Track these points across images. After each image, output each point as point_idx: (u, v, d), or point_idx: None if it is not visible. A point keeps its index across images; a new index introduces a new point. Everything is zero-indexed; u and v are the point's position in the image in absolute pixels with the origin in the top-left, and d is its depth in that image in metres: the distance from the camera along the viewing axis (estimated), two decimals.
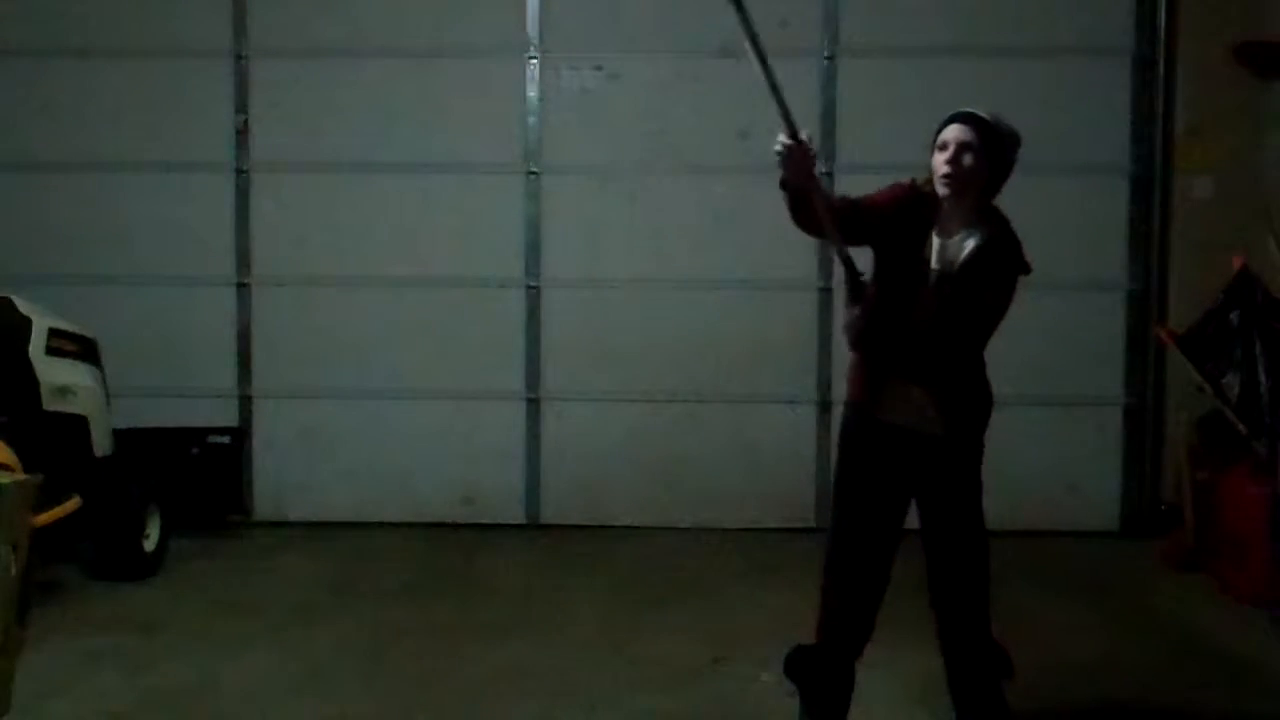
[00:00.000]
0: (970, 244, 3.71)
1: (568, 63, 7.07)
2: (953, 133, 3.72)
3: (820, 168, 6.86)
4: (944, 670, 4.00)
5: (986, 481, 3.95)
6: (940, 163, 3.71)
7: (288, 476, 7.18)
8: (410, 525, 7.04)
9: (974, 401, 3.86)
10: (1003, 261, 3.71)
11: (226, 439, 6.97)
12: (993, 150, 3.70)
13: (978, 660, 3.93)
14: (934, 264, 3.73)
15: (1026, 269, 3.75)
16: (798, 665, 4.03)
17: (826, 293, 6.98)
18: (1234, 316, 6.02)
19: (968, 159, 3.68)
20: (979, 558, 3.90)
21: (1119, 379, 7.07)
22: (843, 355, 6.83)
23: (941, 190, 3.72)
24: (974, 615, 3.91)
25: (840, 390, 6.78)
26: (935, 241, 3.75)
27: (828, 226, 3.61)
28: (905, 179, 3.86)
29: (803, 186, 3.54)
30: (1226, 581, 5.83)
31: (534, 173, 7.08)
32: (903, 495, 3.88)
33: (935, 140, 3.77)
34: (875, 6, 6.95)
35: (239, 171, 7.14)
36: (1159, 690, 4.62)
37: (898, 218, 3.74)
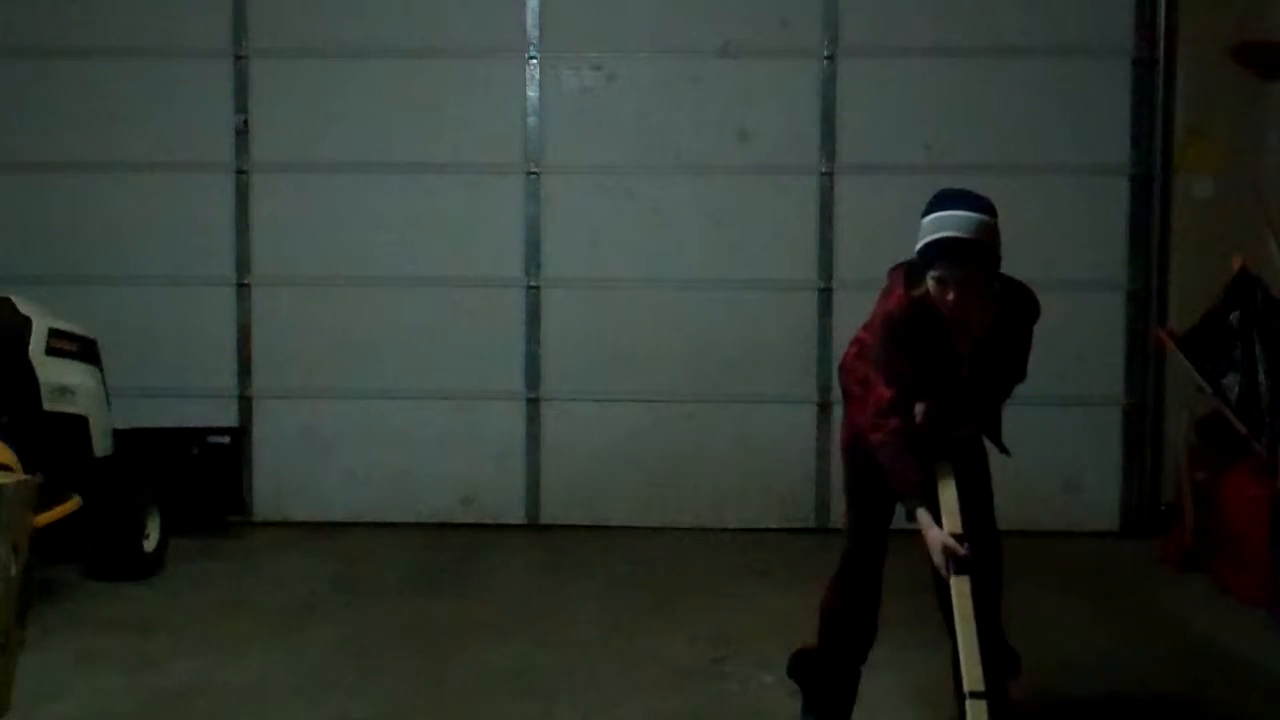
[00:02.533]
0: (1001, 308, 3.70)
1: (568, 63, 7.07)
2: (951, 274, 3.53)
3: (822, 168, 6.95)
4: (951, 668, 3.98)
5: None
6: (951, 305, 3.55)
7: (288, 476, 7.18)
8: (410, 525, 7.04)
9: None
10: (1027, 320, 3.76)
11: (226, 439, 6.97)
12: (995, 263, 3.61)
13: (989, 659, 3.91)
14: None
15: (1038, 311, 3.78)
16: (803, 669, 4.03)
17: (826, 293, 6.98)
18: (1234, 317, 6.02)
19: (976, 296, 3.58)
20: (999, 555, 3.90)
21: (1119, 379, 7.07)
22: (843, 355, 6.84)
23: (947, 314, 3.61)
24: (991, 616, 3.90)
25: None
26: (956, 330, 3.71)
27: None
28: (902, 293, 3.69)
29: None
30: (1226, 581, 5.83)
31: (534, 173, 7.08)
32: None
33: (926, 263, 3.59)
34: (875, 6, 6.94)
35: (239, 172, 7.14)
36: (1159, 690, 4.61)
37: (919, 342, 3.67)
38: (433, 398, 7.14)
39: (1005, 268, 3.77)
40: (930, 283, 3.59)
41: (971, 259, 3.53)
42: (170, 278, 7.15)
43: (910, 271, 3.69)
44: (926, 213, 3.63)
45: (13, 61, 7.14)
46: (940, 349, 3.68)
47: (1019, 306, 3.75)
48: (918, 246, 3.64)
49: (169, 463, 6.66)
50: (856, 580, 3.93)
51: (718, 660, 4.86)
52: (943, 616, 3.94)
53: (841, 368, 4.08)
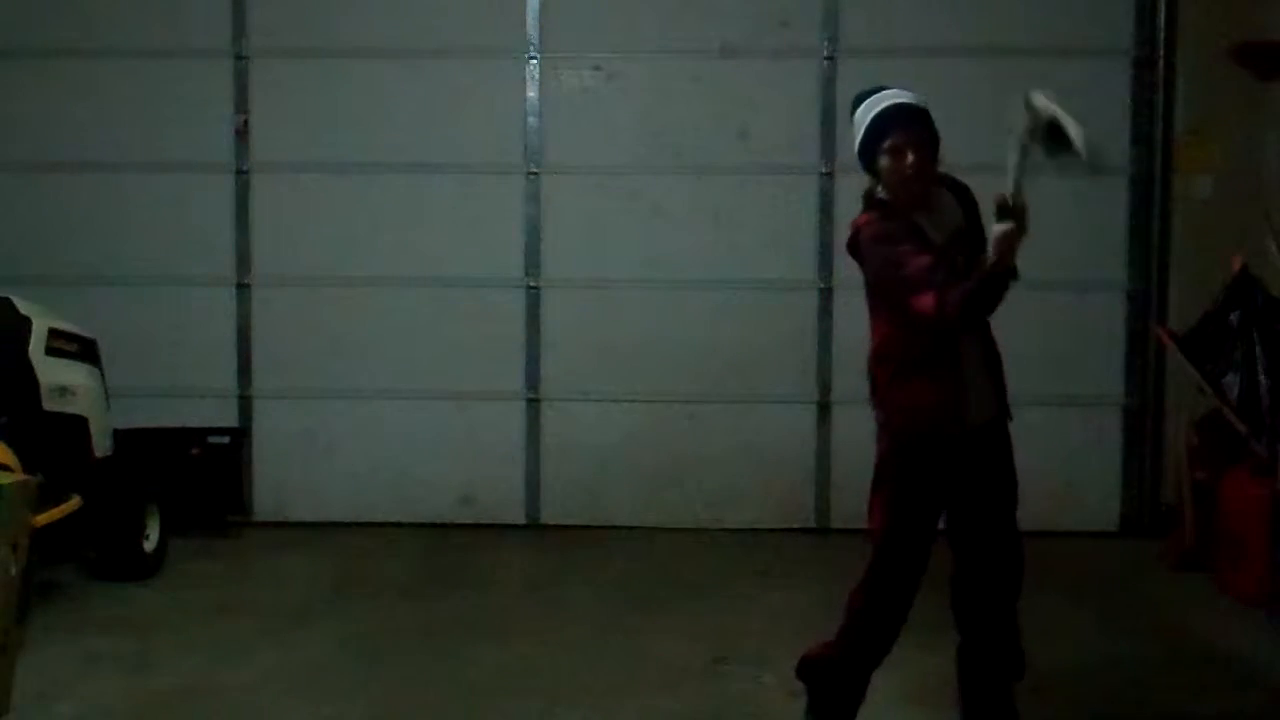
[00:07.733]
0: (957, 202, 3.79)
1: (568, 63, 7.07)
2: (905, 138, 3.66)
3: (822, 168, 6.95)
4: (955, 669, 3.97)
5: None
6: (905, 169, 3.66)
7: (288, 476, 7.17)
8: (410, 525, 7.04)
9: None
10: (972, 200, 3.84)
11: (226, 439, 6.96)
12: (934, 133, 3.73)
13: (998, 662, 3.90)
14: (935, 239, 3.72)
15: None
16: (814, 672, 3.97)
17: (826, 293, 6.98)
18: (1234, 317, 6.01)
19: (928, 157, 3.69)
20: (1020, 555, 3.86)
21: (1119, 379, 7.07)
22: (843, 355, 6.85)
23: (908, 190, 3.69)
24: (1009, 615, 3.87)
25: (841, 390, 6.83)
26: (925, 224, 3.74)
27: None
28: (863, 218, 3.80)
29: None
30: (1226, 581, 5.83)
31: (534, 173, 7.08)
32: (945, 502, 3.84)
33: (875, 141, 3.70)
34: (875, 6, 6.94)
35: (239, 172, 7.14)
36: (1159, 690, 4.62)
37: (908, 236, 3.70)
38: (433, 398, 7.14)
39: None
40: (884, 161, 3.67)
41: (919, 121, 3.68)
42: (170, 278, 7.15)
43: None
44: (855, 110, 3.77)
45: (13, 61, 7.14)
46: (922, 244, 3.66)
47: (963, 192, 3.83)
48: (860, 138, 3.74)
49: (169, 463, 6.65)
50: (896, 594, 3.79)
51: (718, 660, 4.86)
52: (955, 615, 3.93)
53: (872, 357, 3.89)
